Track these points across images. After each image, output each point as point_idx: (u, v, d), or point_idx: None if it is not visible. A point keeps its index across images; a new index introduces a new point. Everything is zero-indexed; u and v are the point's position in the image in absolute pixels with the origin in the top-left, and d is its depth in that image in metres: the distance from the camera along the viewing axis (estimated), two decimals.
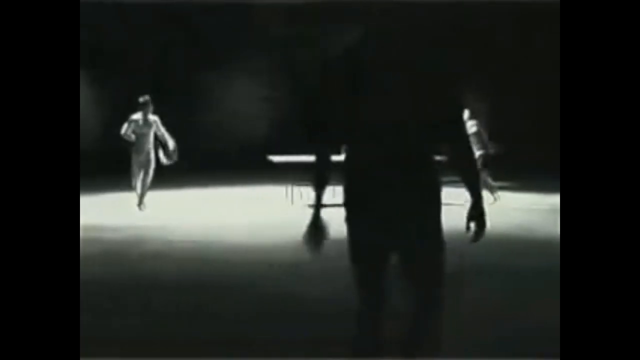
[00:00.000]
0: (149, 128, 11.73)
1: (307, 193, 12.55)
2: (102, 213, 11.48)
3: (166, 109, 12.10)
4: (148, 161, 11.72)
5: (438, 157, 3.35)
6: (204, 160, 17.39)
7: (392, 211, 3.24)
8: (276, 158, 12.88)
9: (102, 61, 16.35)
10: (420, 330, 3.46)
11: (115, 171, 14.70)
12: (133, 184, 11.80)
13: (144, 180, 11.74)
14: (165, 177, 12.42)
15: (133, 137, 11.70)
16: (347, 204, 3.39)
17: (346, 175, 3.37)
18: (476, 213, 3.29)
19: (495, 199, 12.59)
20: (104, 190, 14.19)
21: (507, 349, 4.72)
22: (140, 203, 11.80)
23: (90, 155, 13.31)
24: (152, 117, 11.78)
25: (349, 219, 3.40)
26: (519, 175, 16.24)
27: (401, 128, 3.21)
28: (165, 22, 17.32)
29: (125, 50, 17.16)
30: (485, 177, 12.56)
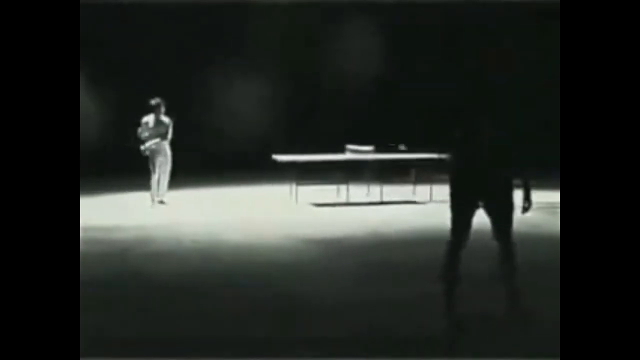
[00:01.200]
0: (163, 128, 11.96)
1: (312, 193, 12.53)
2: (106, 213, 11.49)
3: (167, 109, 12.20)
4: (166, 161, 12.02)
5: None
6: (207, 160, 17.42)
7: (484, 187, 5.17)
8: (280, 157, 12.88)
9: (103, 62, 16.37)
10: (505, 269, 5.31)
11: (116, 172, 14.78)
12: (152, 184, 12.04)
13: (161, 180, 12.02)
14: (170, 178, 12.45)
15: (146, 137, 11.94)
16: (454, 182, 5.31)
17: (455, 168, 5.35)
18: (528, 200, 5.30)
19: None
20: (107, 191, 14.20)
21: (506, 347, 4.72)
22: (161, 201, 12.06)
23: (91, 156, 13.40)
24: (166, 119, 12.02)
25: (454, 188, 5.30)
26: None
27: (493, 143, 5.17)
28: (165, 22, 17.33)
29: (125, 50, 17.17)
30: None
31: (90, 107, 14.74)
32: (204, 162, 17.27)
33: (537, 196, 10.94)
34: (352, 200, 12.47)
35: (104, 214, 11.20)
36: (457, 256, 5.20)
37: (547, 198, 11.59)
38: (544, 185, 14.01)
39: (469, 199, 5.19)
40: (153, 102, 11.92)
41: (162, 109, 11.96)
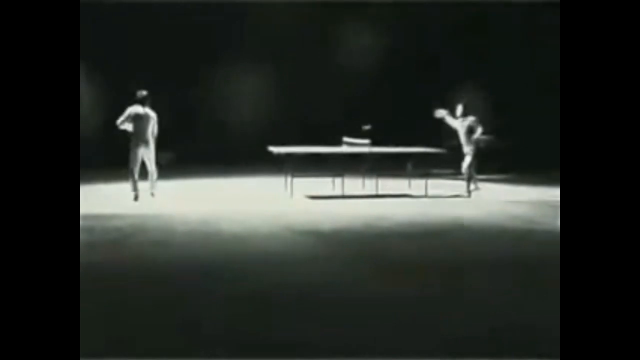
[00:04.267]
0: (148, 121, 11.92)
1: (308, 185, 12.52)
2: (104, 203, 11.48)
3: (166, 106, 12.22)
4: (150, 152, 11.96)
5: None
6: (204, 151, 17.46)
7: None
8: (276, 149, 12.89)
9: (102, 60, 16.38)
10: None
11: (114, 164, 14.80)
12: (132, 174, 11.92)
13: (151, 171, 11.99)
14: (164, 169, 12.46)
15: (129, 127, 11.83)
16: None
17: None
18: None
19: (476, 188, 12.74)
20: (107, 181, 14.20)
21: (506, 345, 4.73)
22: (135, 194, 11.96)
23: (91, 152, 13.45)
24: (152, 113, 11.97)
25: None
26: (520, 168, 16.35)
27: None
28: (165, 22, 17.35)
29: (125, 50, 17.16)
30: (472, 169, 12.84)
31: (87, 103, 14.76)
32: (201, 154, 17.30)
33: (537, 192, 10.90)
34: (347, 193, 12.48)
35: (102, 203, 11.19)
36: None
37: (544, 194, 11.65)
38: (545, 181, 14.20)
39: None
40: (139, 94, 11.88)
41: (149, 102, 11.96)
